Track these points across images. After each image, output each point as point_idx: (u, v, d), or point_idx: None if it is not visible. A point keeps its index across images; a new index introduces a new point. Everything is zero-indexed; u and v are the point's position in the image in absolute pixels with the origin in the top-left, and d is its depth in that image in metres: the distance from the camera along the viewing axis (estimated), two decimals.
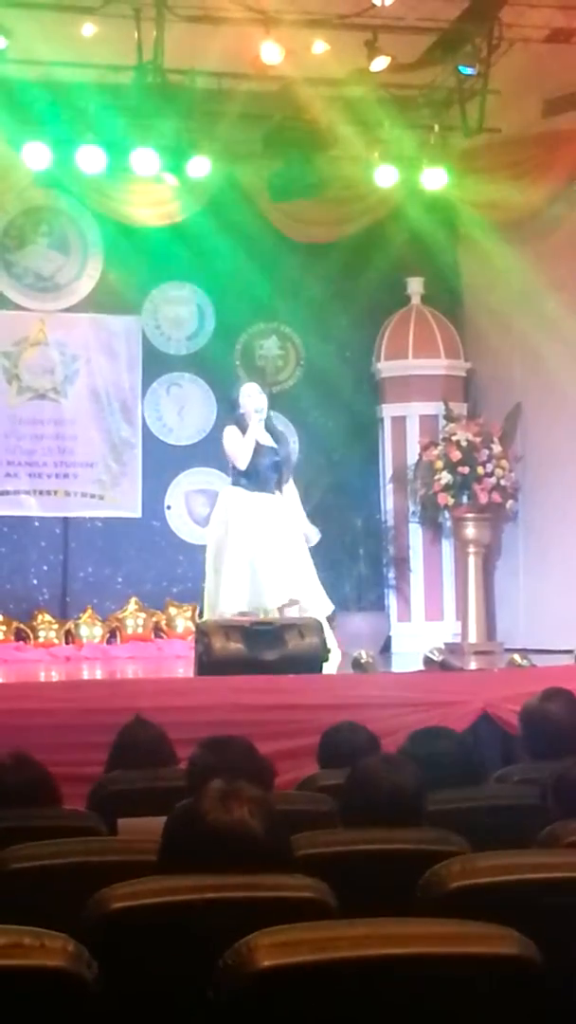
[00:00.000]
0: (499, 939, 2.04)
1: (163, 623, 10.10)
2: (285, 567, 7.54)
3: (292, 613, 7.51)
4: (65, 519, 10.13)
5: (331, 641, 7.45)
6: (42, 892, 2.63)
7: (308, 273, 10.23)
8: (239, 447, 7.67)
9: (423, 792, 3.04)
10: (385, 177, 9.52)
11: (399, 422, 10.45)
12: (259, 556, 7.52)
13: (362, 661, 7.48)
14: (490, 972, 2.03)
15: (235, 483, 7.79)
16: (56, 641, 9.84)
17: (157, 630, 10.10)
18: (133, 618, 10.06)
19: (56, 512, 10.13)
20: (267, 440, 7.77)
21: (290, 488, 7.89)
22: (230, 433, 7.78)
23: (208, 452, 10.34)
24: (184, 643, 9.44)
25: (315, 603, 7.63)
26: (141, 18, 8.25)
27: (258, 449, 7.68)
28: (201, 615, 8.05)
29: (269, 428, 7.84)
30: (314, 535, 7.87)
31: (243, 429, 7.71)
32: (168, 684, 7.46)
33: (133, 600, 10.08)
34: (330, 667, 7.24)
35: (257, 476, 7.69)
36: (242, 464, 7.65)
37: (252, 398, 7.79)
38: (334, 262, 10.15)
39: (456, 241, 10.40)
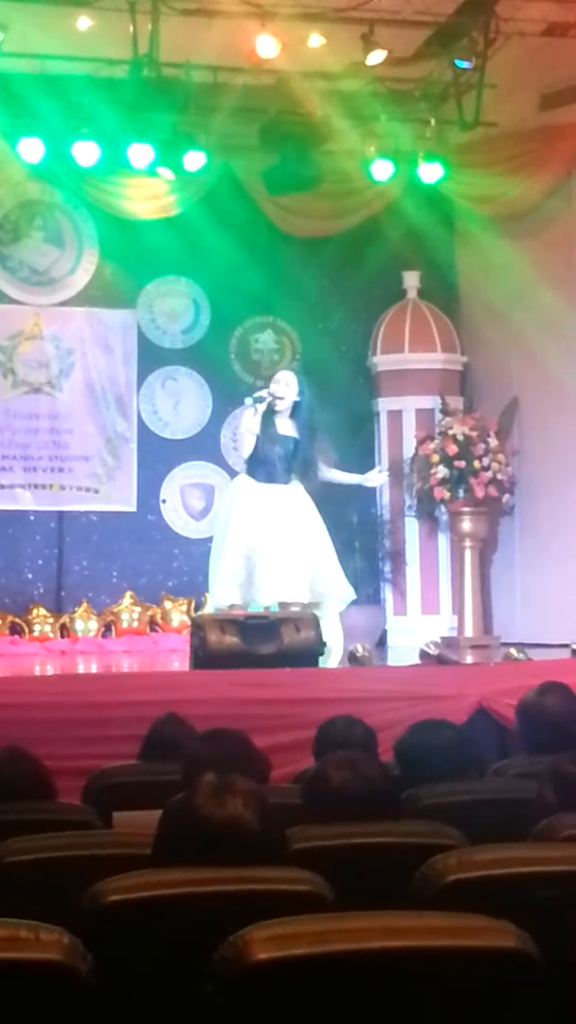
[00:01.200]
0: (496, 932, 2.04)
1: (158, 617, 10.10)
2: (286, 564, 7.45)
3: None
4: (60, 513, 10.12)
5: (337, 635, 7.38)
6: (37, 885, 2.62)
7: (304, 267, 10.22)
8: (241, 432, 7.60)
9: (389, 791, 3.01)
10: (381, 171, 9.52)
11: (395, 416, 10.45)
12: (258, 550, 7.44)
13: (358, 655, 7.47)
14: (486, 965, 2.02)
15: (247, 471, 7.71)
16: (51, 635, 9.83)
17: (152, 624, 10.10)
18: (128, 612, 10.06)
19: (51, 506, 10.12)
20: (287, 430, 7.61)
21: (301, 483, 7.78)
22: (243, 416, 7.70)
23: (204, 446, 10.35)
24: (179, 637, 9.44)
25: (335, 590, 7.56)
26: (136, 11, 8.24)
27: (272, 437, 7.54)
28: (198, 607, 8.02)
29: (299, 419, 7.64)
30: (376, 479, 8.17)
31: (268, 416, 7.56)
32: (163, 678, 7.45)
33: (128, 594, 10.08)
34: (331, 662, 7.20)
35: (265, 465, 7.56)
36: (243, 452, 7.57)
37: (276, 384, 7.61)
38: (330, 256, 10.14)
39: (452, 235, 10.39)
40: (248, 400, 7.63)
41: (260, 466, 7.58)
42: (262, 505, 7.51)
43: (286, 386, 7.61)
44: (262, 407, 7.51)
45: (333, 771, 3.00)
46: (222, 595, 7.45)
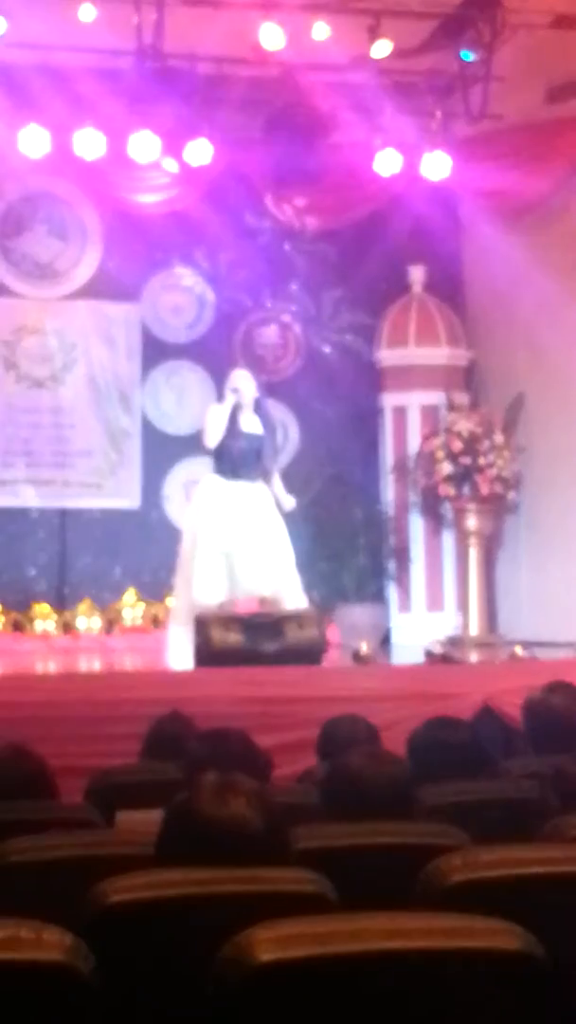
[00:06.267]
0: (501, 934, 2.02)
1: (161, 614, 10.07)
2: (260, 559, 7.48)
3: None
4: (63, 509, 10.10)
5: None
6: (39, 886, 2.61)
7: (309, 261, 10.19)
8: (207, 424, 7.64)
9: (408, 787, 3.00)
10: (387, 164, 9.47)
11: (400, 412, 10.42)
12: (234, 547, 7.47)
13: (362, 653, 7.46)
14: (491, 967, 2.00)
15: (215, 470, 7.78)
16: (53, 632, 9.81)
17: (155, 621, 10.08)
18: (131, 609, 10.04)
19: (54, 502, 10.10)
20: (251, 427, 7.72)
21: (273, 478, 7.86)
22: (209, 410, 7.80)
23: None
24: None
25: (290, 595, 7.56)
26: (141, 2, 8.20)
27: (236, 433, 7.63)
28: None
29: (262, 416, 7.78)
30: (289, 502, 7.83)
31: (232, 414, 7.68)
32: (166, 676, 7.43)
33: (131, 591, 10.05)
34: None
35: (231, 461, 7.65)
36: (209, 442, 7.66)
37: (232, 380, 7.80)
38: (335, 249, 10.12)
39: (458, 229, 10.36)
40: (228, 389, 7.75)
41: (226, 464, 7.69)
42: (231, 502, 7.59)
43: (246, 381, 7.76)
44: (232, 398, 7.61)
45: (356, 766, 2.99)
46: (205, 595, 7.45)
